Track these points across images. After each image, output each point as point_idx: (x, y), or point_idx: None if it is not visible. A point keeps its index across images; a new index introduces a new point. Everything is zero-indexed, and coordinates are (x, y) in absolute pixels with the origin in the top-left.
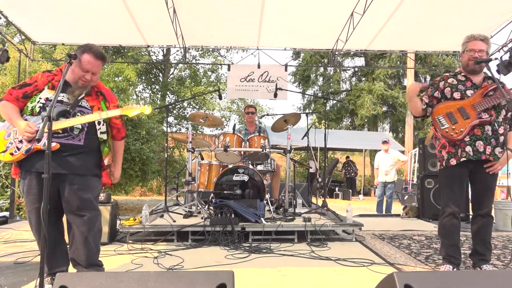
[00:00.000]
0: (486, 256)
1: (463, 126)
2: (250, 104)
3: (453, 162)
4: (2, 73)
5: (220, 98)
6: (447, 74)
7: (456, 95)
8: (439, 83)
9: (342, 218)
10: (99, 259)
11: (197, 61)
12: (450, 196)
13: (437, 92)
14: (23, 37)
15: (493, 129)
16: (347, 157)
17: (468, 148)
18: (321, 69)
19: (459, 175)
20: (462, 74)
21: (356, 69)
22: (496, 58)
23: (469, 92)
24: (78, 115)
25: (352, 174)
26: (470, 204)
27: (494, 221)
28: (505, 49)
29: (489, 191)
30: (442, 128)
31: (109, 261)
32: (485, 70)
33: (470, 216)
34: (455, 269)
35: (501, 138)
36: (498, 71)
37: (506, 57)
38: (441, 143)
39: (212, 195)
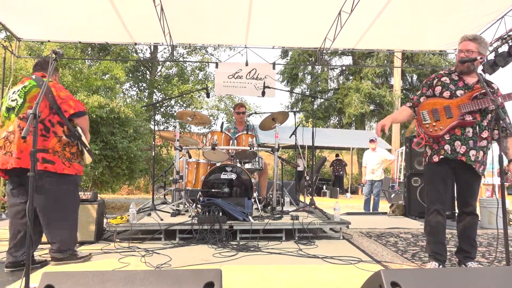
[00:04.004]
0: (471, 254)
1: (443, 125)
2: (240, 103)
3: (436, 159)
4: None
5: (208, 96)
6: (442, 72)
7: (446, 94)
8: (433, 81)
9: (330, 216)
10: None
11: (184, 59)
12: (435, 194)
13: (430, 90)
14: (8, 33)
15: (474, 131)
16: (337, 155)
17: (447, 147)
18: (309, 67)
19: (442, 172)
20: (456, 73)
21: (344, 67)
22: (481, 58)
23: (459, 92)
24: None
25: (341, 173)
26: (456, 202)
27: (479, 219)
28: (490, 48)
29: (471, 190)
30: (423, 123)
31: (96, 260)
32: (480, 72)
33: (456, 214)
34: (440, 266)
35: (483, 142)
36: (484, 71)
37: (491, 56)
38: (420, 136)
39: (199, 193)
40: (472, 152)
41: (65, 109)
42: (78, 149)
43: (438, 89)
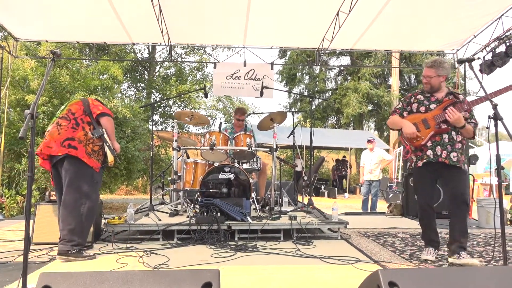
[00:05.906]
0: (463, 243)
1: (424, 135)
2: (242, 109)
3: (420, 163)
4: None
5: (206, 96)
6: (417, 91)
7: (422, 109)
8: (410, 99)
9: (328, 216)
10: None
11: (182, 59)
12: (422, 192)
13: (409, 107)
14: (5, 33)
15: (449, 137)
16: (344, 156)
17: (429, 152)
18: (307, 67)
19: (426, 173)
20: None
21: (342, 68)
22: (478, 58)
23: (432, 106)
24: None
25: (344, 173)
26: (448, 198)
27: (477, 219)
28: (488, 49)
29: (458, 179)
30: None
31: (94, 260)
32: (450, 90)
33: (444, 213)
34: (436, 250)
35: (458, 145)
36: (481, 71)
37: (488, 57)
38: (406, 149)
39: (198, 193)
40: (453, 154)
41: (94, 111)
42: (100, 149)
43: (415, 106)
